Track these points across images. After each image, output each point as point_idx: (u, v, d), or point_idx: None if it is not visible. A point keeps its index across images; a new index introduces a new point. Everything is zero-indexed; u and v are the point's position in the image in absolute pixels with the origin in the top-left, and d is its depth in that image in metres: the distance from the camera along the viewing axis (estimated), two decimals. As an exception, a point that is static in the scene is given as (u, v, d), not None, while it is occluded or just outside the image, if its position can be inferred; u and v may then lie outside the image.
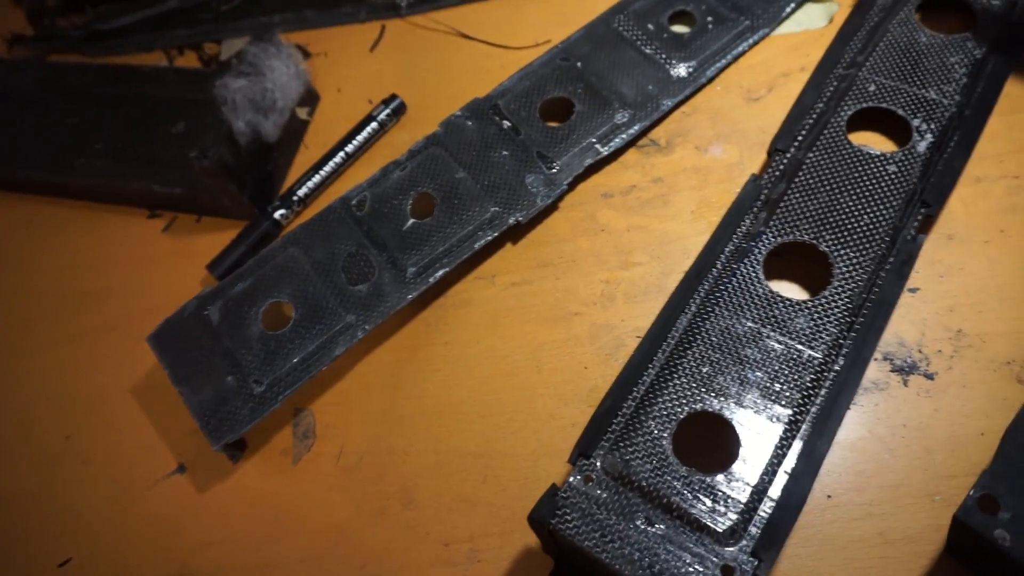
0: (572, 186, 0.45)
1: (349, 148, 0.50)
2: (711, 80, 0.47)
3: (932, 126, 0.40)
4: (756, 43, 0.47)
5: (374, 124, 0.50)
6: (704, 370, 0.35)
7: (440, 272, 0.42)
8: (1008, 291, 0.38)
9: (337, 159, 0.50)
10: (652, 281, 0.42)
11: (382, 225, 0.44)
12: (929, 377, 0.37)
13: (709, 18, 0.48)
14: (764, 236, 0.38)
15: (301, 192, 0.49)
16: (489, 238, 0.43)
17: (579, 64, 0.47)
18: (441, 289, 0.45)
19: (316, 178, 0.50)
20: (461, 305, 0.45)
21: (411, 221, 0.44)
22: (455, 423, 0.42)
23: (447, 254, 0.43)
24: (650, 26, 0.48)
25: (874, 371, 0.37)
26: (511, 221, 0.43)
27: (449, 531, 0.39)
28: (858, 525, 0.35)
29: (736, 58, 0.47)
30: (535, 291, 0.44)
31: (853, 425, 0.36)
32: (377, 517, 0.41)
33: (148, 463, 0.46)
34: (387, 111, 0.51)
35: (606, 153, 0.44)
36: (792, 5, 0.47)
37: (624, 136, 0.45)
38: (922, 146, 0.39)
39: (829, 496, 0.35)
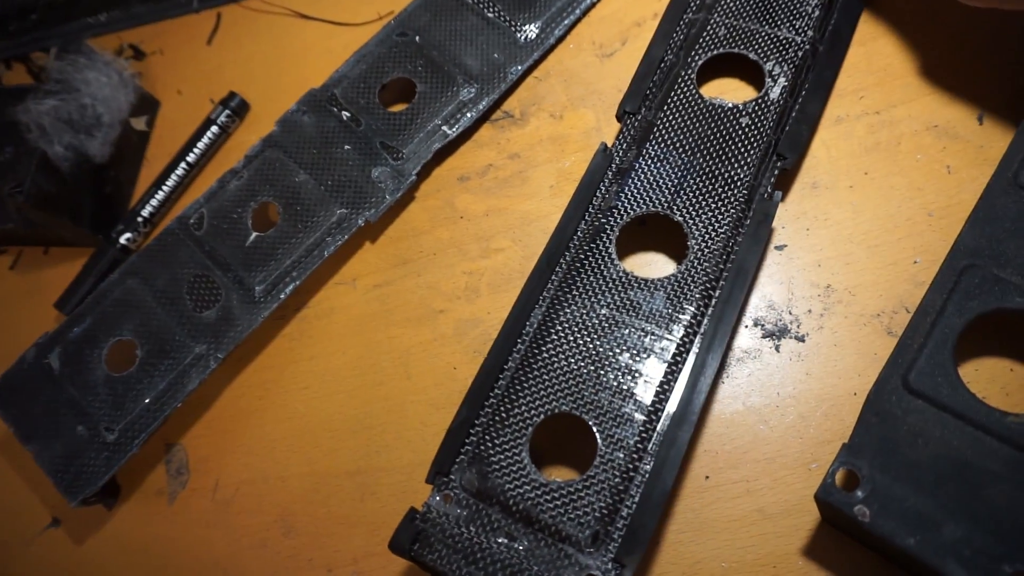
0: (424, 174, 0.42)
1: (190, 158, 0.46)
2: (561, 39, 0.43)
3: (785, 68, 0.37)
4: (606, -8, 0.44)
5: (214, 128, 0.46)
6: (559, 368, 0.33)
7: (291, 287, 0.39)
8: (873, 238, 0.36)
9: (179, 171, 0.46)
10: (515, 267, 0.40)
11: (223, 243, 0.41)
12: (800, 340, 0.35)
13: (553, -30, 0.44)
14: (616, 210, 0.36)
15: (145, 212, 0.46)
16: (339, 243, 0.40)
17: (418, 38, 0.43)
18: (302, 300, 0.43)
19: (159, 195, 0.46)
20: (324, 315, 0.42)
21: (254, 235, 0.41)
22: (328, 442, 0.40)
23: (296, 266, 0.40)
24: (491, -14, 0.44)
25: (746, 339, 0.36)
26: (360, 222, 0.40)
27: (331, 556, 0.38)
28: (737, 503, 0.33)
29: (586, 11, 0.44)
30: (398, 291, 0.41)
31: (728, 399, 0.35)
32: (259, 550, 0.39)
33: (21, 521, 0.43)
34: (226, 112, 0.47)
35: (454, 135, 0.41)
36: (640, -54, 0.44)
37: (472, 114, 0.41)
38: (775, 92, 0.37)
39: (707, 477, 0.34)
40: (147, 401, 0.38)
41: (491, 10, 0.43)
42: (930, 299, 0.31)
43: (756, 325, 0.36)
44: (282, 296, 0.39)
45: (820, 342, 0.35)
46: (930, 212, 0.36)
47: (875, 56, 0.39)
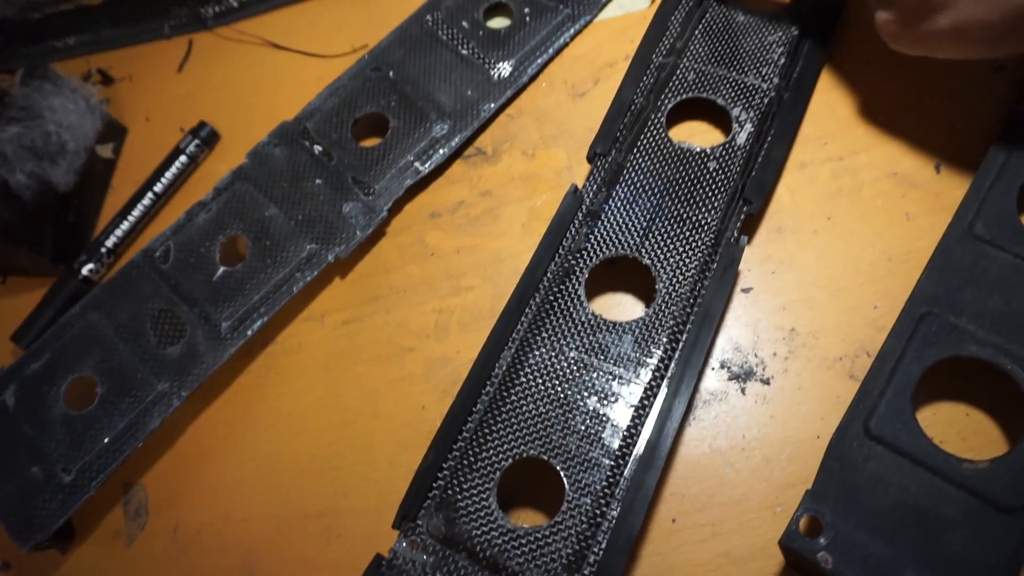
0: (396, 209, 0.42)
1: (158, 188, 0.46)
2: (534, 78, 0.44)
3: (751, 114, 0.38)
4: (578, 32, 0.44)
5: (183, 158, 0.46)
6: (528, 411, 0.33)
7: (258, 323, 0.39)
8: (836, 283, 0.36)
9: (146, 201, 0.45)
10: (485, 306, 0.40)
11: (190, 277, 0.40)
12: (766, 382, 0.36)
13: (527, 9, 0.44)
14: (585, 252, 0.36)
15: (109, 243, 0.45)
16: (308, 279, 0.40)
17: (392, 73, 0.43)
18: (269, 335, 0.42)
19: (125, 225, 0.45)
20: (291, 351, 0.42)
21: (221, 269, 0.40)
22: (294, 482, 0.39)
23: (264, 302, 0.39)
24: (465, 23, 0.44)
25: (712, 381, 0.36)
26: (330, 258, 0.40)
27: (295, 600, 0.37)
28: (703, 547, 0.34)
29: (559, 51, 0.44)
30: (367, 328, 0.41)
31: (695, 442, 0.35)
32: (220, 594, 0.38)
33: (-30, 564, 0.42)
34: (196, 142, 0.46)
35: (426, 171, 0.41)
36: (612, -12, 0.45)
37: (444, 151, 0.41)
38: (742, 138, 0.38)
39: (674, 520, 0.34)
40: (106, 441, 0.37)
41: (465, 47, 0.44)
42: (890, 346, 0.32)
43: (723, 367, 0.36)
44: (249, 333, 0.39)
45: (785, 385, 0.35)
46: (890, 257, 0.36)
47: (838, 104, 0.40)
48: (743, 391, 0.36)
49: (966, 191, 0.35)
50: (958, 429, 0.33)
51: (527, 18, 0.44)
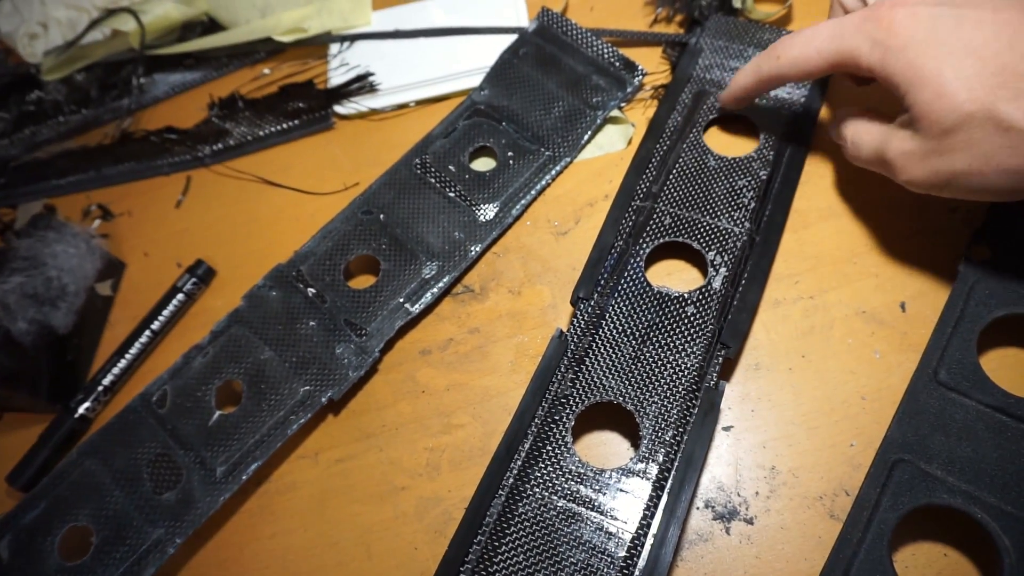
0: (387, 346, 0.44)
1: (155, 326, 0.47)
2: (518, 218, 0.46)
3: (725, 258, 0.40)
4: (559, 173, 0.47)
5: (180, 296, 0.47)
6: (518, 563, 0.34)
7: (253, 466, 0.40)
8: (812, 420, 0.38)
9: (143, 339, 0.47)
10: (475, 444, 0.41)
11: (186, 422, 0.41)
12: (749, 522, 0.37)
13: (510, 152, 0.47)
14: (571, 398, 0.37)
15: (106, 381, 0.46)
16: (303, 421, 0.41)
17: (382, 216, 0.46)
18: (264, 474, 0.43)
19: (122, 363, 0.46)
20: (285, 489, 0.42)
21: (217, 414, 0.41)
22: (287, 628, 0.39)
23: (259, 445, 0.40)
24: (451, 167, 0.47)
25: (697, 520, 0.37)
26: (324, 400, 0.41)
27: None
28: None
29: (541, 191, 0.47)
30: (360, 466, 0.42)
31: (682, 583, 0.36)
32: None
33: None
34: (192, 280, 0.48)
35: (416, 312, 0.43)
36: (590, 131, 0.47)
37: (434, 291, 0.43)
38: (717, 282, 0.40)
39: (664, 666, 0.35)
40: (100, 591, 0.38)
41: (452, 190, 0.46)
42: (865, 493, 0.33)
43: (707, 507, 0.37)
44: (244, 477, 0.39)
45: (768, 524, 0.36)
46: (863, 396, 0.38)
47: (807, 243, 0.42)
48: (727, 531, 0.37)
49: (930, 334, 0.37)
50: (937, 570, 0.34)
51: (511, 161, 0.47)
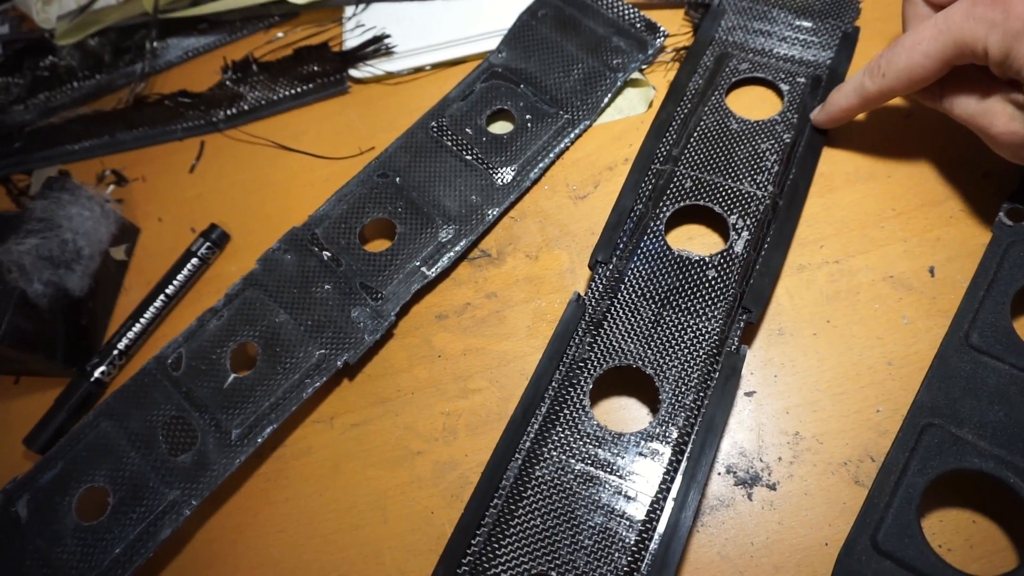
0: (403, 311, 0.43)
1: (169, 290, 0.47)
2: (536, 182, 0.45)
3: (748, 222, 0.39)
4: (578, 137, 0.46)
5: (195, 260, 0.47)
6: (535, 527, 0.33)
7: (268, 430, 0.39)
8: (837, 386, 0.37)
9: (157, 303, 0.46)
10: (492, 409, 0.40)
11: (201, 384, 0.41)
12: (772, 488, 0.36)
13: (528, 116, 0.46)
14: (589, 362, 0.37)
15: (121, 345, 0.46)
16: (318, 385, 0.40)
17: (398, 180, 0.45)
18: (279, 438, 0.42)
19: (137, 327, 0.46)
20: (300, 454, 0.42)
21: (232, 376, 0.41)
22: (303, 591, 0.39)
23: (274, 408, 0.40)
24: (468, 130, 0.46)
25: (719, 486, 0.36)
26: (339, 364, 0.40)
27: None
28: (714, 660, 0.33)
29: (559, 155, 0.46)
30: (375, 431, 0.41)
31: (703, 548, 0.35)
32: None
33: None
34: (207, 244, 0.47)
35: (433, 276, 0.42)
36: (610, 94, 0.46)
37: (450, 255, 0.43)
38: (739, 246, 0.39)
39: (684, 631, 0.34)
40: (117, 551, 0.37)
41: (469, 153, 0.45)
42: (893, 457, 0.32)
43: (728, 472, 0.37)
44: (259, 440, 0.39)
45: (791, 490, 0.36)
46: (889, 361, 0.37)
47: (832, 208, 0.41)
48: (749, 496, 0.36)
49: (961, 298, 0.36)
50: (965, 536, 0.33)
51: (528, 124, 0.46)
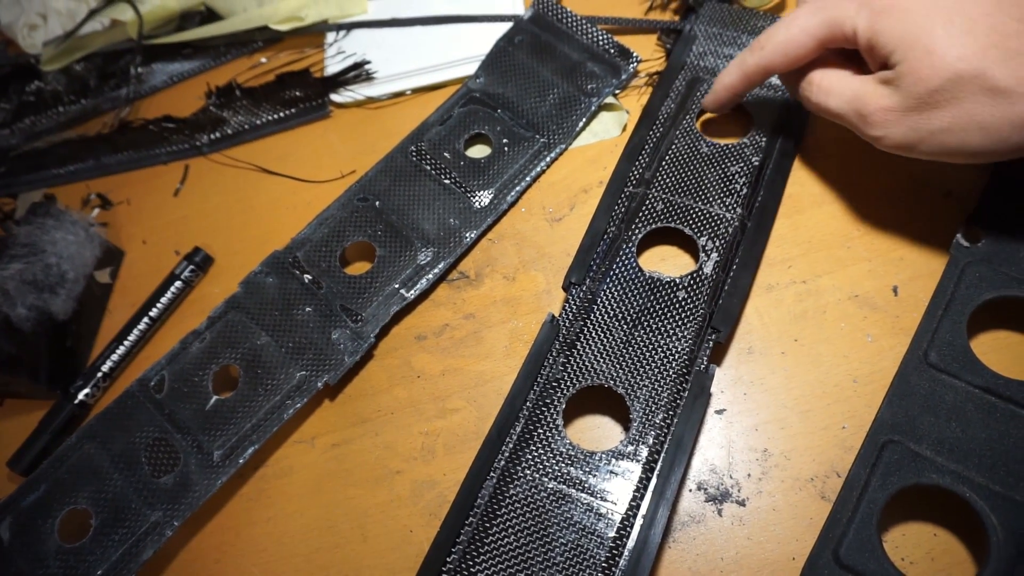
0: (383, 332, 0.44)
1: (153, 312, 0.47)
2: (513, 205, 0.46)
3: (717, 243, 0.40)
4: (554, 160, 0.47)
5: (178, 283, 0.48)
6: (508, 545, 0.34)
7: (249, 451, 0.40)
8: (805, 403, 0.38)
9: (141, 326, 0.47)
10: (470, 428, 0.41)
11: (184, 406, 0.41)
12: (741, 504, 0.37)
13: (504, 140, 0.47)
14: (562, 383, 0.38)
15: (105, 367, 0.46)
16: (299, 406, 0.41)
17: (378, 203, 0.46)
18: (260, 459, 0.43)
19: (120, 349, 0.47)
20: (282, 474, 0.43)
21: (214, 398, 0.41)
22: (284, 610, 0.40)
23: (255, 430, 0.41)
24: (447, 154, 0.47)
25: (690, 502, 0.37)
26: (319, 385, 0.41)
27: None
28: (685, 674, 0.34)
29: (536, 178, 0.47)
30: (355, 451, 0.42)
31: (674, 564, 0.36)
32: None
33: None
34: (190, 267, 0.48)
35: (412, 298, 0.43)
36: (584, 119, 0.48)
37: (429, 277, 0.43)
38: (708, 267, 0.40)
39: (656, 646, 0.35)
40: (99, 573, 0.38)
41: (448, 177, 0.46)
42: (855, 473, 0.33)
43: (699, 489, 0.37)
44: (240, 461, 0.40)
45: (760, 506, 0.37)
46: (855, 379, 0.38)
47: (800, 228, 0.43)
48: (720, 512, 0.37)
49: (921, 317, 0.37)
50: (927, 550, 0.34)
51: (505, 148, 0.47)
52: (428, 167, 0.47)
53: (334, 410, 0.44)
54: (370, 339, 0.42)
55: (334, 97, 0.53)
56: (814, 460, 0.37)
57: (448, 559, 0.34)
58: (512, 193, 0.46)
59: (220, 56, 0.58)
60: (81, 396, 0.46)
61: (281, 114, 0.54)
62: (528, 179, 0.46)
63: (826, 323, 0.40)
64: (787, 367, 0.39)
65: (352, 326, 0.43)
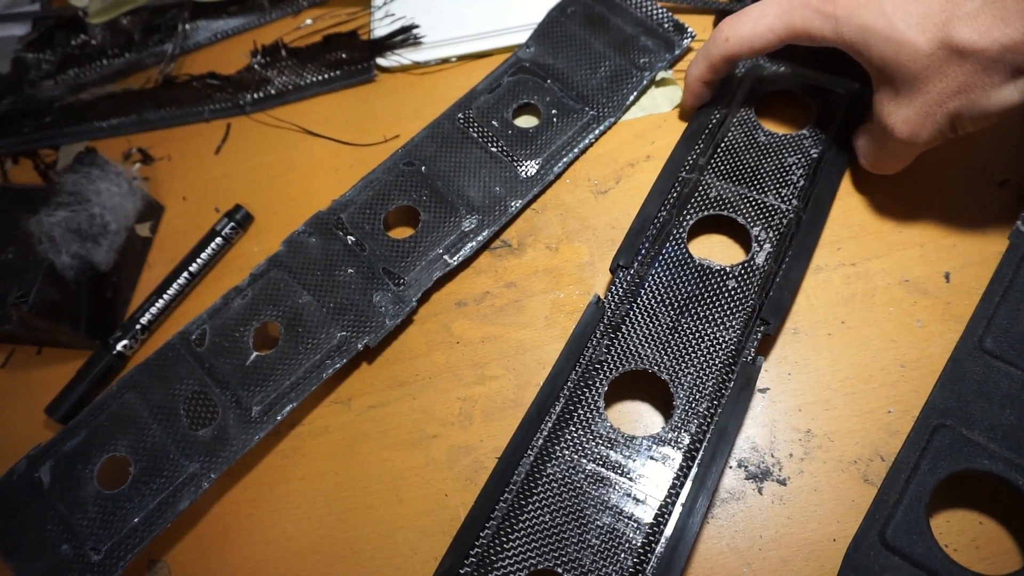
0: (423, 298, 0.44)
1: (193, 268, 0.47)
2: (559, 176, 0.46)
3: (771, 235, 0.40)
4: (603, 133, 0.47)
5: (218, 239, 0.48)
6: (544, 523, 0.34)
7: (287, 408, 0.40)
8: (850, 386, 0.38)
9: (181, 280, 0.47)
10: (509, 396, 0.41)
11: (224, 361, 0.41)
12: (782, 483, 0.37)
13: (554, 111, 0.47)
14: (605, 365, 0.37)
15: (144, 320, 0.46)
16: (338, 366, 0.41)
17: (424, 168, 0.46)
18: (297, 417, 0.43)
19: (160, 303, 0.47)
20: (318, 433, 0.43)
21: (254, 354, 0.41)
22: (316, 567, 0.40)
23: (294, 387, 0.41)
24: (495, 123, 0.47)
25: (730, 479, 0.37)
26: (360, 346, 0.41)
27: None
28: (721, 649, 0.34)
29: (583, 151, 0.46)
30: (392, 413, 0.42)
31: (713, 540, 0.36)
32: None
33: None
34: (231, 224, 0.48)
35: (455, 264, 0.43)
36: (635, 93, 0.47)
37: (473, 244, 0.43)
38: (761, 258, 0.39)
39: (692, 619, 0.35)
40: (136, 520, 0.38)
41: (495, 145, 0.46)
42: (904, 456, 0.33)
43: (740, 466, 0.37)
44: (279, 417, 0.40)
45: (801, 486, 0.36)
46: (902, 364, 0.38)
47: (851, 211, 0.42)
48: (760, 491, 0.37)
49: (976, 303, 0.37)
50: (972, 537, 0.34)
51: (554, 119, 0.47)
52: (475, 134, 0.47)
53: (372, 372, 0.44)
54: (412, 303, 0.42)
55: (380, 61, 0.53)
56: (858, 443, 0.37)
57: (482, 533, 0.34)
58: (559, 164, 0.46)
59: (266, 15, 0.58)
60: (119, 347, 0.46)
61: (326, 76, 0.53)
62: (576, 151, 0.46)
63: (875, 306, 0.39)
64: (833, 349, 0.39)
65: (394, 289, 0.42)
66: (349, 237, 0.44)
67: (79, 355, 0.48)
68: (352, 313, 0.42)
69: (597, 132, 0.46)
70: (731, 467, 0.37)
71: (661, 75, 0.48)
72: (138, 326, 0.46)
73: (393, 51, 0.53)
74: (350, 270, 0.43)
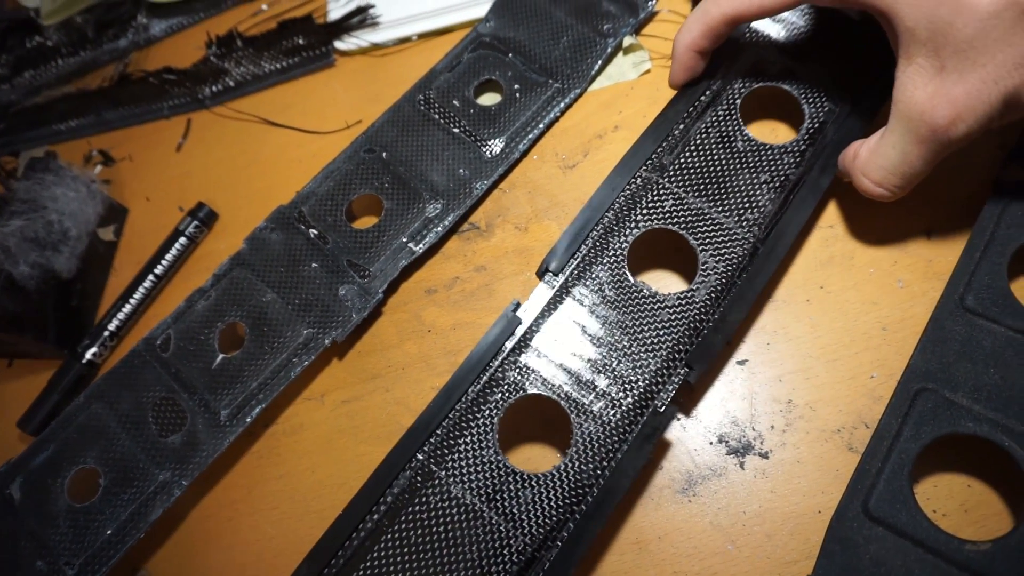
0: (392, 287, 0.43)
1: (158, 270, 0.46)
2: (525, 153, 0.45)
3: (720, 266, 0.35)
4: (568, 106, 0.45)
5: (183, 239, 0.47)
6: (407, 550, 0.32)
7: (256, 410, 0.39)
8: (831, 352, 0.37)
9: (147, 283, 0.46)
10: (483, 383, 0.40)
11: (190, 365, 0.40)
12: (764, 456, 0.35)
13: (516, 86, 0.45)
14: (504, 385, 0.34)
15: (112, 326, 0.45)
16: (306, 364, 0.40)
17: (385, 154, 0.44)
18: (271, 416, 0.42)
19: (127, 308, 0.46)
20: (293, 431, 0.42)
21: (220, 357, 0.40)
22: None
23: (262, 388, 0.40)
24: (456, 102, 0.45)
25: (711, 455, 0.36)
26: (327, 342, 0.40)
27: None
28: (708, 629, 0.33)
29: (549, 125, 0.45)
30: (366, 407, 0.41)
31: (695, 518, 0.35)
32: None
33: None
34: (194, 223, 0.47)
35: (420, 252, 0.42)
36: (600, 61, 0.45)
37: (438, 230, 0.42)
38: (703, 292, 0.35)
39: (677, 600, 0.34)
40: (109, 532, 0.38)
41: (457, 126, 0.45)
42: (886, 423, 0.32)
43: (721, 442, 0.36)
44: (248, 420, 0.39)
45: (783, 459, 0.35)
46: (884, 326, 0.37)
47: (826, 171, 0.40)
48: (742, 465, 0.36)
49: (956, 261, 0.35)
50: (960, 501, 0.33)
51: (517, 94, 0.45)
52: (437, 116, 0.45)
53: (344, 366, 0.43)
54: (378, 295, 0.41)
55: (338, 44, 0.51)
56: (840, 411, 0.35)
57: (340, 552, 0.34)
58: (524, 141, 0.44)
59: (220, 3, 0.56)
60: (88, 355, 0.45)
61: (284, 63, 0.52)
62: (541, 126, 0.44)
63: (854, 268, 0.38)
64: (812, 315, 0.38)
65: (360, 282, 0.41)
66: (311, 231, 0.43)
67: (50, 365, 0.47)
68: (318, 309, 0.41)
69: (562, 105, 0.45)
70: (711, 443, 0.36)
71: (627, 41, 0.46)
72: (106, 333, 0.45)
73: (350, 33, 0.51)
74: (314, 264, 0.42)
